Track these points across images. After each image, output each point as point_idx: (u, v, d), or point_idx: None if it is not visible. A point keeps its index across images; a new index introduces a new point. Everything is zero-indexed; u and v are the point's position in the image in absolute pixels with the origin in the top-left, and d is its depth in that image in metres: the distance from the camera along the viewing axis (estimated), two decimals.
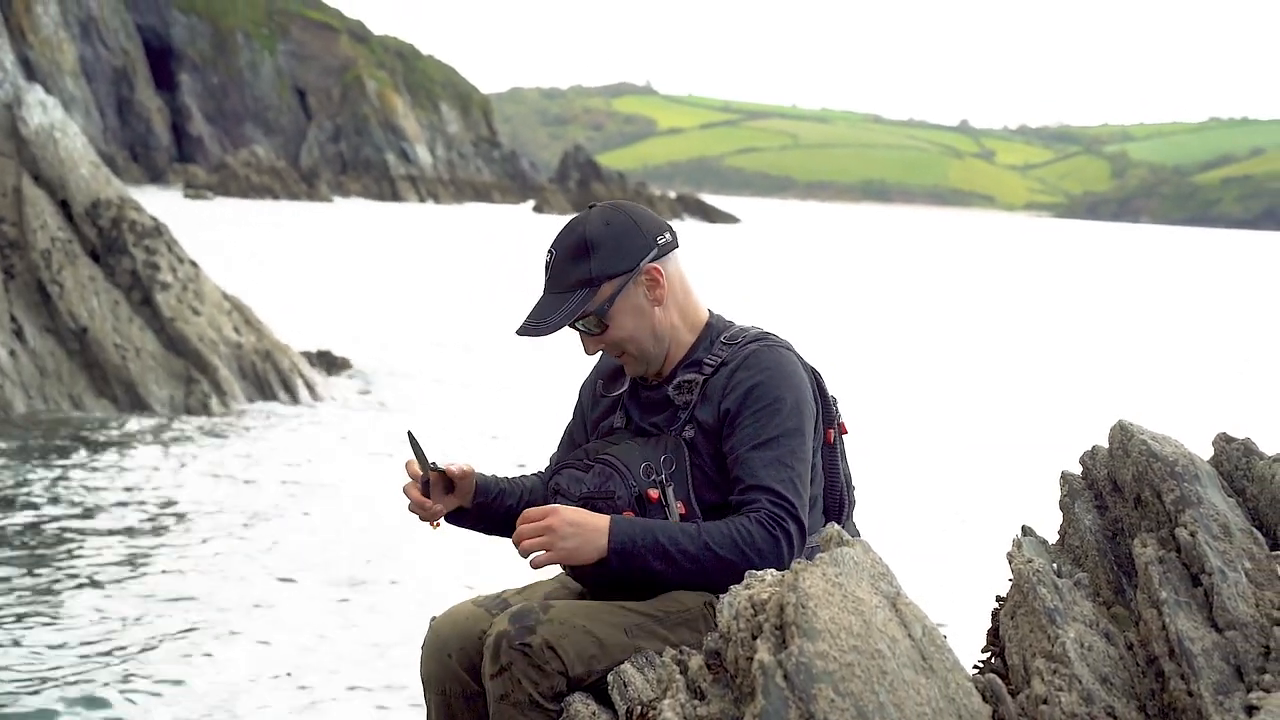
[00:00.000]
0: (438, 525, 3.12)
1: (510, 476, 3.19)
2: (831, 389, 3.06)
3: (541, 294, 3.00)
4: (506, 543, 2.97)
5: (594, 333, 2.96)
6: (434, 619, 3.02)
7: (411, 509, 3.07)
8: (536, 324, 2.95)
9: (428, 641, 3.00)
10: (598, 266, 2.93)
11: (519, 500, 3.12)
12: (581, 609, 2.85)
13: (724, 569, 2.75)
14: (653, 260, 2.96)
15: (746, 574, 2.48)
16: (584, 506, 2.89)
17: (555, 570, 3.16)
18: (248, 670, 6.15)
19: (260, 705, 5.76)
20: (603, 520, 2.81)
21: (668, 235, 3.01)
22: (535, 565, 2.82)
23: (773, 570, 2.49)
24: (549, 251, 2.99)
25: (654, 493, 2.87)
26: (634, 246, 2.95)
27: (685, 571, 2.78)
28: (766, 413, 2.86)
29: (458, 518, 3.13)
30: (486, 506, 3.11)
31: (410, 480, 3.06)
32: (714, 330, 3.02)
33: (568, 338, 3.13)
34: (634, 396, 3.06)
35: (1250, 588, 2.28)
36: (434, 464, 3.05)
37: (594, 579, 2.95)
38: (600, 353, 3.08)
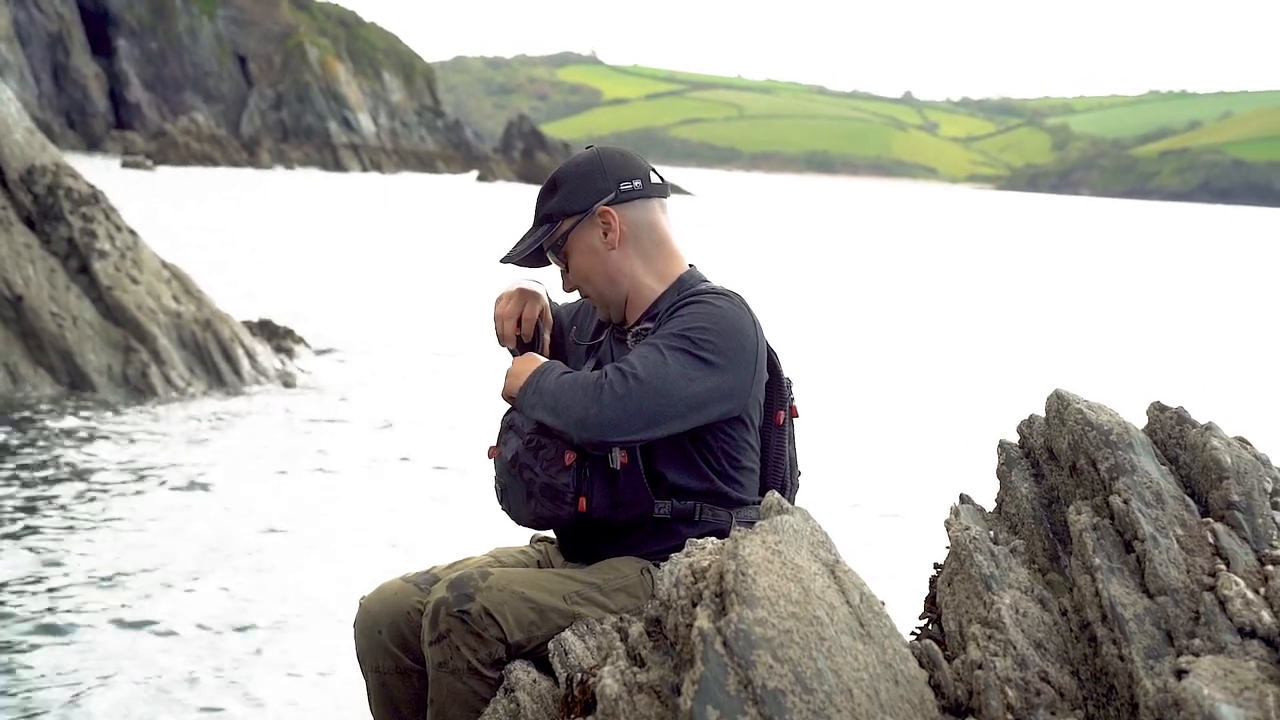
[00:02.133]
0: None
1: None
2: (785, 368, 3.06)
3: None
4: (430, 519, 2.99)
5: (563, 268, 3.06)
6: (363, 598, 3.02)
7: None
8: (510, 252, 3.07)
9: (358, 620, 3.00)
10: (556, 203, 3.02)
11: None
12: (520, 576, 2.85)
13: (558, 406, 2.81)
14: (609, 203, 2.98)
15: (687, 541, 2.48)
16: (530, 443, 2.92)
17: (486, 546, 3.18)
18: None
19: (191, 688, 5.72)
20: (536, 366, 2.94)
21: (637, 183, 3.01)
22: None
23: (713, 539, 2.49)
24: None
25: None
26: (592, 188, 2.99)
27: (547, 407, 2.85)
28: (676, 322, 2.87)
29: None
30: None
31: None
32: (685, 284, 3.02)
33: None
34: (609, 342, 3.12)
35: (1181, 554, 2.31)
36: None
37: (564, 532, 3.05)
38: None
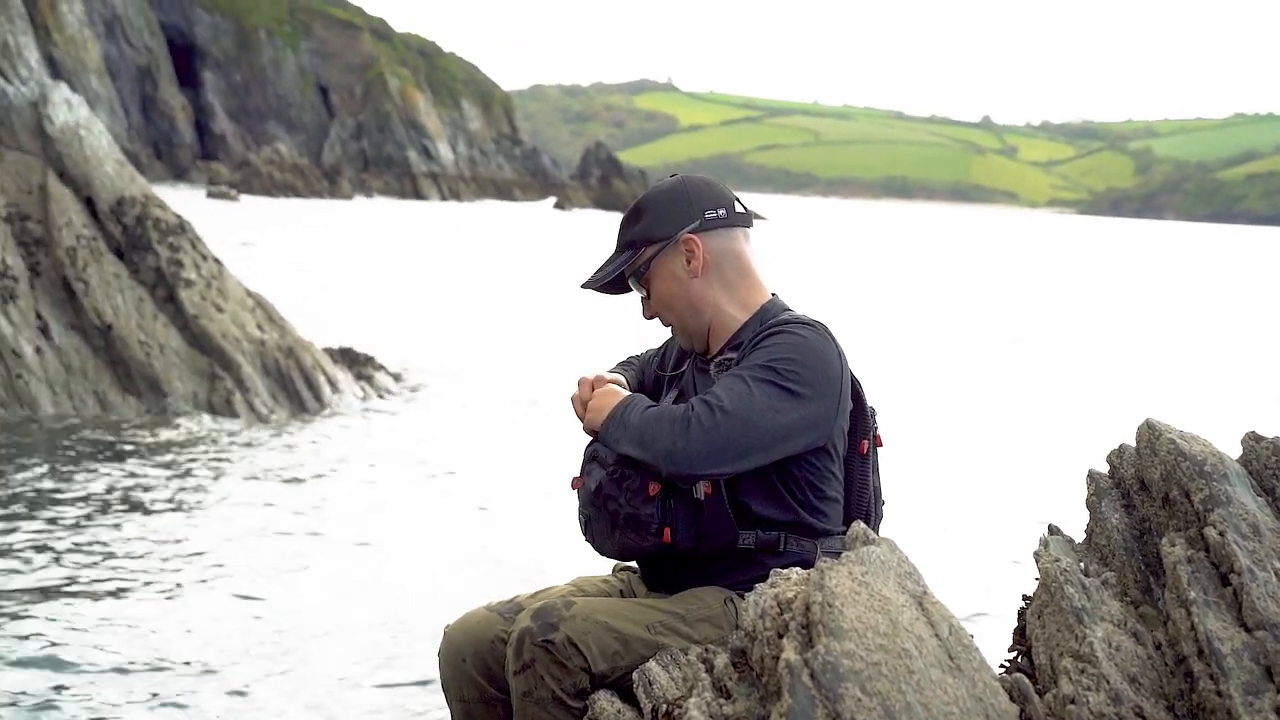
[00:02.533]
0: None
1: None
2: (870, 399, 3.04)
3: None
4: (517, 554, 3.00)
5: (644, 296, 3.06)
6: (448, 626, 3.02)
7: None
8: (591, 278, 3.08)
9: (443, 649, 3.00)
10: (641, 230, 3.02)
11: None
12: (603, 606, 2.84)
13: (644, 440, 2.80)
14: (693, 231, 2.99)
15: (771, 572, 2.46)
16: (613, 473, 2.91)
17: (569, 575, 3.18)
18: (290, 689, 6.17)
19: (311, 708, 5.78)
20: (619, 398, 2.94)
21: (722, 211, 3.01)
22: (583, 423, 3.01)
23: (798, 569, 2.47)
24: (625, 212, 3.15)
25: None
26: (678, 215, 3.00)
27: (632, 440, 2.83)
28: (760, 352, 2.85)
29: None
30: None
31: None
32: (767, 314, 3.01)
33: (612, 317, 3.15)
34: (693, 373, 3.11)
35: None
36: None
37: (647, 563, 3.04)
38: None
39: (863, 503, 3.02)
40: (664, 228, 2.99)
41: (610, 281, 3.05)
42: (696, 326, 3.02)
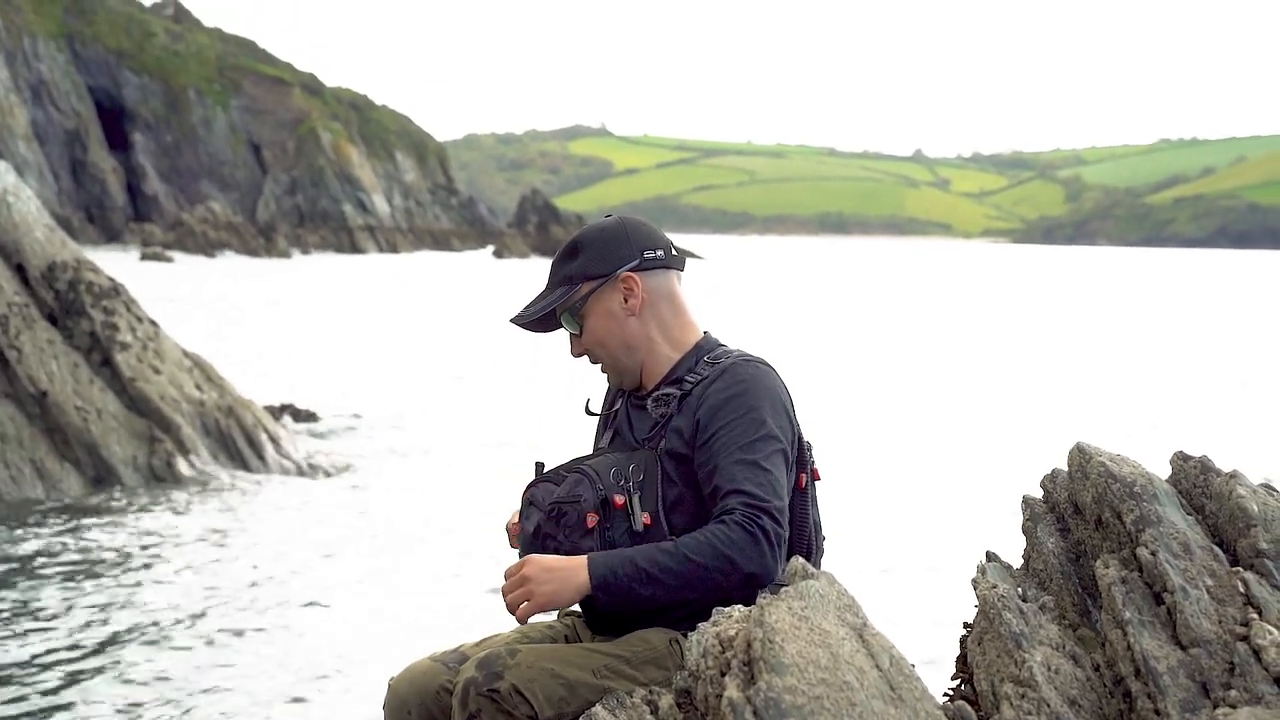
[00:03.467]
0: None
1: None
2: (805, 432, 3.06)
3: None
4: (461, 600, 2.96)
5: (575, 333, 3.04)
6: (391, 679, 3.00)
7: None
8: (521, 313, 3.05)
9: (387, 702, 2.97)
10: (578, 266, 3.01)
11: None
12: (548, 653, 2.83)
13: (708, 577, 2.72)
14: (632, 269, 3.00)
15: (713, 610, 2.47)
16: (552, 512, 2.90)
17: (513, 623, 3.14)
18: None
19: None
20: (579, 560, 2.79)
21: (659, 252, 3.05)
22: (521, 618, 2.79)
23: (740, 606, 2.48)
24: (559, 248, 3.12)
25: (619, 498, 2.86)
26: (617, 254, 3.01)
27: (672, 589, 2.74)
28: (742, 422, 2.86)
29: None
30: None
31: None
32: (702, 350, 3.04)
33: (548, 366, 3.13)
34: (625, 411, 3.10)
35: (1213, 604, 2.30)
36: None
37: (596, 614, 2.96)
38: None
39: (803, 536, 3.03)
40: (602, 265, 3.00)
41: (539, 319, 3.05)
42: (629, 364, 3.03)
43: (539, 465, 3.09)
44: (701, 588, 2.74)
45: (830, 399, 18.93)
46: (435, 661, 2.97)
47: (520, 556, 3.01)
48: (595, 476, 2.90)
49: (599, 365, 3.09)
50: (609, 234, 3.03)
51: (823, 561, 3.11)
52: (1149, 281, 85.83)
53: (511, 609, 2.79)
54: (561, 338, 3.10)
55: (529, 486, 3.03)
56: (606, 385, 3.24)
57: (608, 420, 3.16)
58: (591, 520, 2.85)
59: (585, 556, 2.80)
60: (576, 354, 3.09)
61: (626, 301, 3.00)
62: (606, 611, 2.83)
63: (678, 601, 2.78)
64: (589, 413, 3.23)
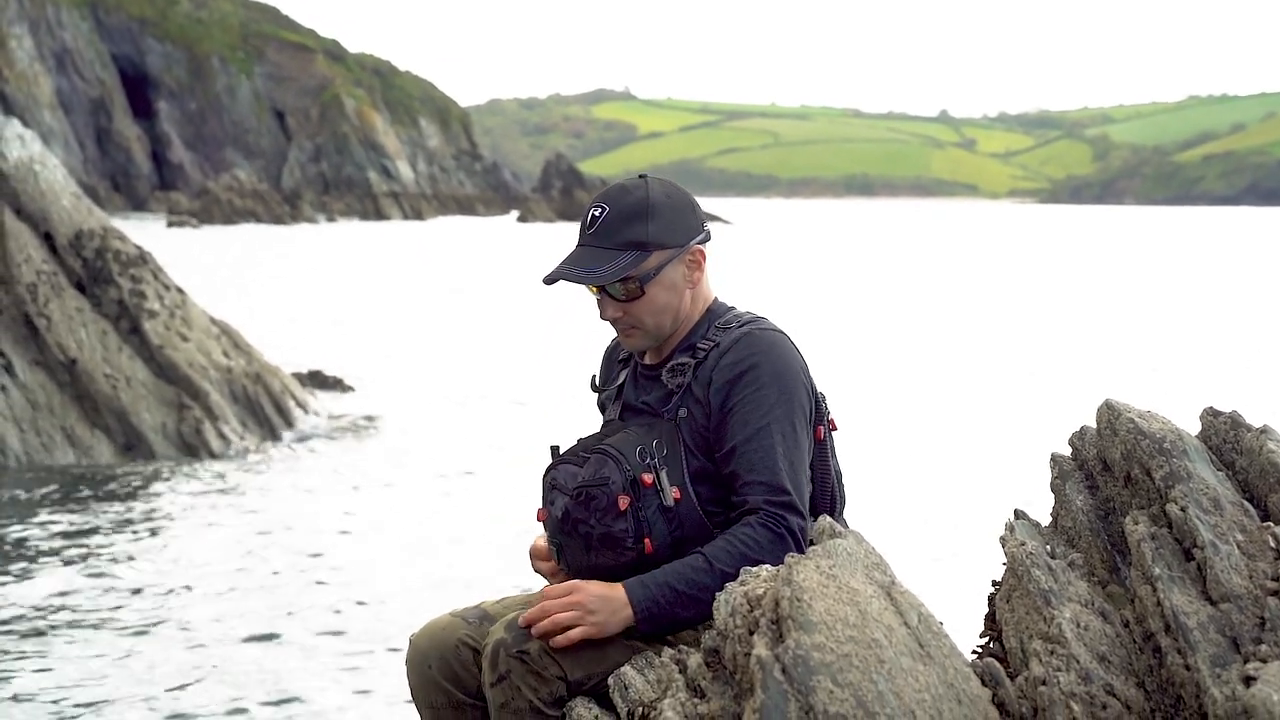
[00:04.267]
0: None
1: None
2: (822, 384, 3.05)
3: (579, 244, 2.94)
4: (485, 560, 2.97)
5: (622, 298, 2.92)
6: (413, 635, 3.02)
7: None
8: (584, 272, 2.88)
9: (409, 657, 2.98)
10: (655, 232, 2.89)
11: None
12: None
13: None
14: (700, 243, 2.97)
15: (742, 570, 2.48)
16: (578, 496, 2.87)
17: (532, 583, 3.15)
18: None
19: None
20: (619, 590, 2.77)
21: (709, 226, 3.04)
22: (562, 644, 2.73)
23: (767, 566, 2.49)
24: (599, 205, 2.93)
25: (648, 477, 2.84)
26: (689, 224, 2.95)
27: (711, 604, 2.68)
28: (755, 398, 2.84)
29: None
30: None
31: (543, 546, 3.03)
32: (713, 315, 3.01)
33: (572, 334, 3.12)
34: (635, 381, 3.06)
35: (1243, 560, 2.29)
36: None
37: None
38: (606, 353, 3.15)
39: (826, 486, 3.02)
40: (676, 235, 2.92)
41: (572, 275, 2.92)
42: (669, 331, 2.99)
43: (554, 449, 3.05)
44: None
45: (858, 360, 18.89)
46: (455, 617, 2.99)
47: (550, 542, 3.01)
48: (620, 456, 2.86)
49: (626, 331, 2.98)
50: (677, 201, 2.95)
51: (848, 513, 3.11)
52: (1177, 240, 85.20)
53: (551, 629, 2.73)
54: (580, 297, 3.04)
55: (549, 470, 2.99)
56: (606, 355, 3.20)
57: (615, 393, 3.11)
58: (624, 503, 2.83)
59: (624, 585, 2.77)
60: (609, 316, 2.97)
61: (690, 275, 2.95)
62: (648, 634, 2.80)
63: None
64: (595, 389, 3.17)
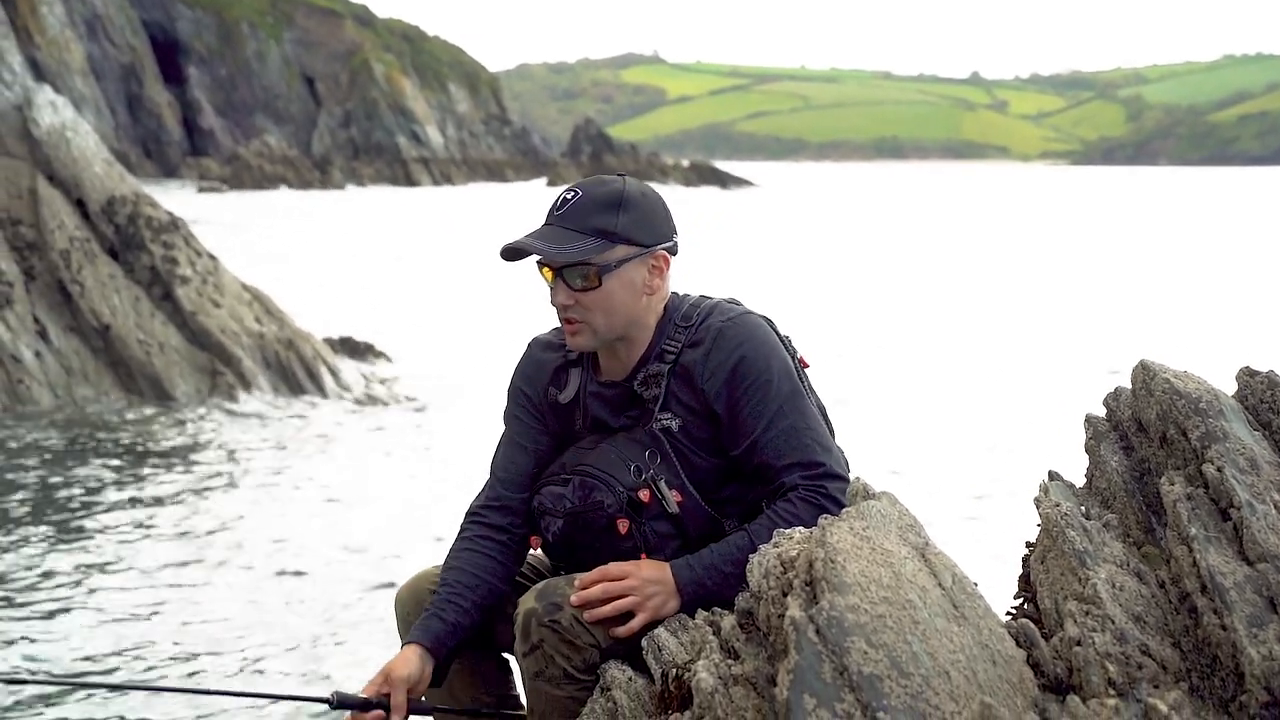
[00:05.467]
0: None
1: (445, 596, 2.91)
2: (858, 349, 3.04)
3: (545, 224, 2.85)
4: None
5: (578, 287, 2.81)
6: (398, 589, 3.06)
7: None
8: (544, 247, 2.79)
9: (396, 611, 3.04)
10: (624, 225, 2.80)
11: (485, 609, 2.92)
12: None
13: None
14: (667, 251, 2.88)
15: (774, 532, 2.48)
16: (572, 522, 2.84)
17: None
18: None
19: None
20: (668, 572, 2.75)
21: (678, 239, 2.93)
22: (627, 633, 2.71)
23: (801, 528, 2.49)
24: (572, 190, 2.85)
25: (645, 493, 2.80)
26: (659, 229, 2.86)
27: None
28: (759, 388, 2.79)
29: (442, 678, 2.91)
30: (455, 651, 2.90)
31: None
32: (671, 313, 2.90)
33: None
34: (599, 398, 2.94)
35: None
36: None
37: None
38: (526, 361, 3.03)
39: None
40: (645, 234, 2.82)
41: (517, 250, 2.83)
42: (615, 338, 2.87)
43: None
44: None
45: (892, 323, 18.83)
46: (436, 568, 3.02)
47: (551, 562, 2.98)
48: (610, 477, 2.81)
49: (574, 326, 2.85)
50: (652, 202, 2.86)
51: (888, 483, 3.10)
52: (1212, 201, 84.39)
53: (612, 612, 2.70)
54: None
55: (531, 495, 2.95)
56: (528, 377, 3.02)
57: (570, 409, 2.97)
58: (624, 527, 2.81)
59: (669, 567, 2.75)
60: (564, 303, 2.84)
61: (650, 280, 2.85)
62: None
63: None
64: (558, 404, 2.99)
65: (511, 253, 2.84)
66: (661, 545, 2.83)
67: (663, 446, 2.84)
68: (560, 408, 2.98)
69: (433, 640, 2.84)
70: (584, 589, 2.73)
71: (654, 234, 2.84)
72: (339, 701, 2.77)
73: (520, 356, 3.08)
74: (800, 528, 2.59)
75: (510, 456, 3.02)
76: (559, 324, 2.93)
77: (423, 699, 2.87)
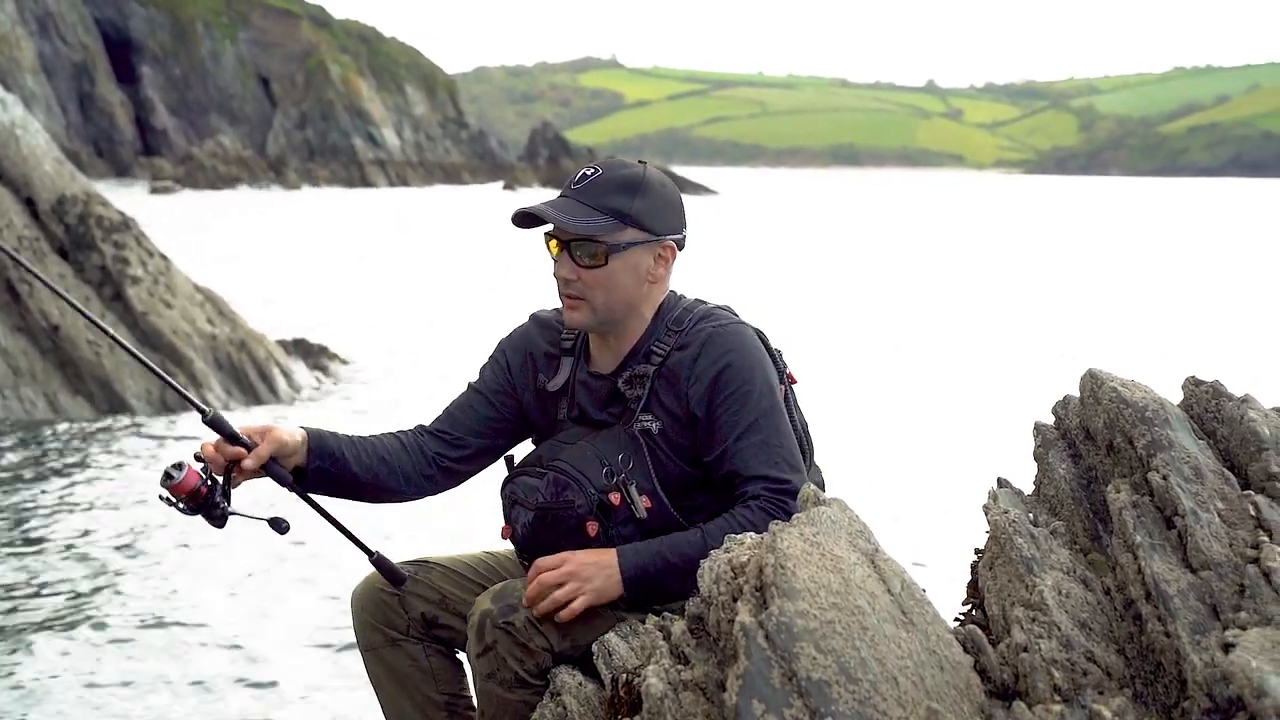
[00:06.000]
0: (221, 517, 2.88)
1: (346, 435, 3.01)
2: (808, 355, 3.06)
3: (561, 195, 2.89)
4: (461, 526, 2.97)
5: (584, 262, 2.84)
6: (354, 589, 3.09)
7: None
8: (559, 216, 2.81)
9: (351, 611, 3.08)
10: (638, 209, 2.83)
11: (369, 469, 2.98)
12: None
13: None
14: (675, 242, 2.92)
15: (725, 538, 2.49)
16: (542, 518, 2.86)
17: (483, 546, 3.16)
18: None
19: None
20: (611, 555, 2.77)
21: (686, 233, 2.98)
22: (567, 617, 2.73)
23: (752, 534, 2.50)
24: (593, 168, 2.88)
25: (615, 496, 2.82)
26: (672, 220, 2.90)
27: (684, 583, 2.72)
28: (738, 397, 2.82)
29: (304, 483, 2.97)
30: (327, 471, 2.94)
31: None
32: (664, 314, 2.94)
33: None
34: (585, 387, 2.97)
35: (1223, 527, 2.30)
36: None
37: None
38: (521, 333, 3.08)
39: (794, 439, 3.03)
40: (657, 222, 2.86)
41: (527, 215, 2.86)
42: (613, 321, 2.90)
43: (509, 459, 3.03)
44: None
45: (843, 329, 18.92)
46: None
47: (519, 558, 3.01)
48: (582, 477, 2.83)
49: (573, 301, 2.89)
50: (669, 192, 2.90)
51: (834, 489, 3.12)
52: (1162, 212, 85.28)
53: (551, 609, 2.72)
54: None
55: (506, 482, 2.99)
56: (513, 347, 3.07)
57: (557, 397, 3.02)
58: (593, 529, 2.83)
59: (615, 552, 2.77)
60: (567, 277, 2.87)
61: (655, 269, 2.89)
62: (636, 601, 2.80)
63: None
64: (545, 391, 3.03)
65: (523, 218, 2.88)
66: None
67: (640, 449, 2.85)
68: (547, 396, 3.02)
69: (318, 440, 2.92)
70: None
71: (666, 224, 2.88)
72: (212, 419, 2.83)
73: (518, 324, 3.14)
74: (752, 533, 2.61)
75: (469, 400, 3.10)
76: (558, 301, 2.97)
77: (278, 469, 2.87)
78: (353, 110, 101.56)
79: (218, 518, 2.86)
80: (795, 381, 3.03)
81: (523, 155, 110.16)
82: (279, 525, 2.92)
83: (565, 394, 3.00)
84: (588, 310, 2.88)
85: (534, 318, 3.12)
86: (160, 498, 2.80)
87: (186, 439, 11.23)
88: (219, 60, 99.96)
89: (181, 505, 2.81)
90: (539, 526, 2.87)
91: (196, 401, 2.93)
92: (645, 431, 2.86)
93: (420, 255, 33.84)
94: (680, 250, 2.93)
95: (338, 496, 3.01)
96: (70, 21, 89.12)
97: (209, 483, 2.82)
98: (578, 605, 2.73)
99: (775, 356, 2.97)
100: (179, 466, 2.79)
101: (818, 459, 3.12)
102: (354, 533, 3.00)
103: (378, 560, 3.00)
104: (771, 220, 59.40)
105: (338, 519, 2.98)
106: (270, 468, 2.86)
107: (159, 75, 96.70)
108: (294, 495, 2.94)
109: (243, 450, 2.83)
